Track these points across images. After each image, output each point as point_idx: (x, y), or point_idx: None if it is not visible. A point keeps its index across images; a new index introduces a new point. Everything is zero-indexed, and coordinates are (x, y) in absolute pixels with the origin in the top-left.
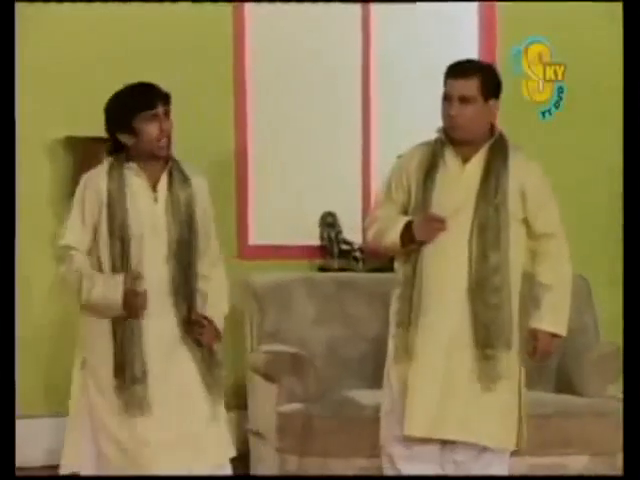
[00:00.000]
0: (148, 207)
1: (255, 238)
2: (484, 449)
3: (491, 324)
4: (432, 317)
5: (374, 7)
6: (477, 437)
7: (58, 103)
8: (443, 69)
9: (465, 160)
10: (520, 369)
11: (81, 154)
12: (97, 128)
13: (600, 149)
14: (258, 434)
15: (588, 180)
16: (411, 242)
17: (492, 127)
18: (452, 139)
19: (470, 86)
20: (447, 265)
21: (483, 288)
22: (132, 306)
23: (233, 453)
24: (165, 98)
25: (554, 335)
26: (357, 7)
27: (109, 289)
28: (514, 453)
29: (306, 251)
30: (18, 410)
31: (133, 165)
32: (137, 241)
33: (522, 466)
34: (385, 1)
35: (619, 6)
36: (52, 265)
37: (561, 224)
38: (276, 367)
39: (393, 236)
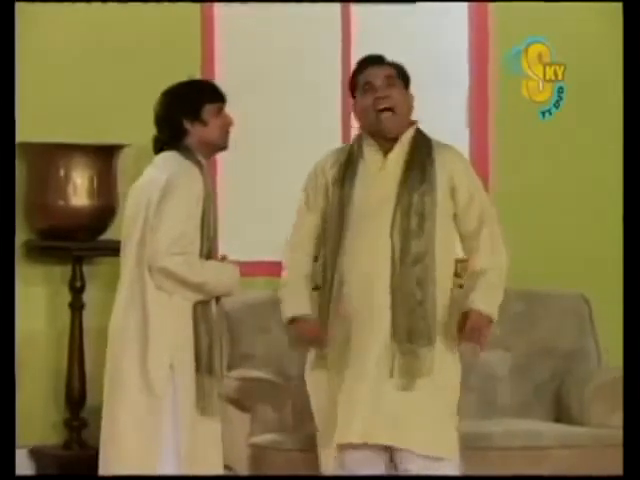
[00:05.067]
0: None
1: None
2: (432, 459)
3: (410, 316)
4: (358, 318)
5: (355, 8)
6: (407, 442)
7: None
8: (428, 72)
9: (386, 153)
10: (451, 368)
11: (35, 161)
12: (51, 133)
13: (600, 149)
14: (228, 468)
15: (588, 181)
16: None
17: (411, 123)
18: (377, 130)
19: (391, 70)
20: (371, 260)
21: (405, 278)
22: None
23: None
24: (224, 98)
25: (488, 319)
26: (336, 7)
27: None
28: None
29: (281, 268)
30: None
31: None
32: None
33: None
34: (367, 2)
35: (619, 6)
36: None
37: (492, 210)
38: (249, 395)
39: (284, 309)
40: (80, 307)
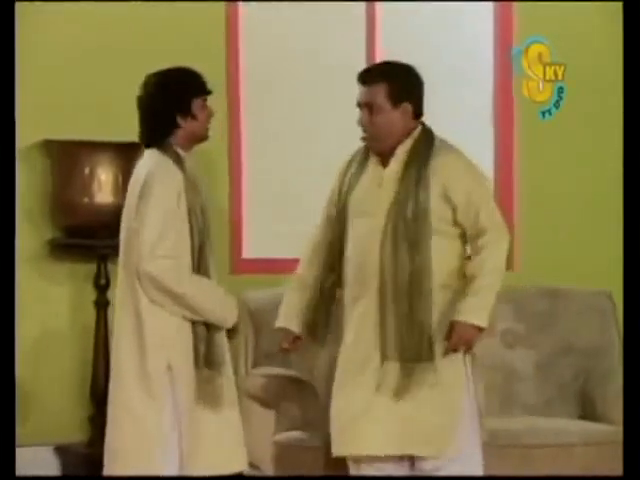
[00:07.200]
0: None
1: (249, 251)
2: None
3: (404, 332)
4: (349, 330)
5: (380, 7)
6: (409, 449)
7: (35, 105)
8: (453, 70)
9: (386, 165)
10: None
11: (60, 158)
12: (75, 130)
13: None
14: (252, 465)
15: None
16: None
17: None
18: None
19: (376, 93)
20: (362, 271)
21: (395, 297)
22: None
23: None
24: (210, 90)
25: (475, 327)
26: (362, 7)
27: None
28: None
29: None
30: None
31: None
32: None
33: None
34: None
35: (619, 6)
36: (32, 276)
37: (496, 218)
38: (273, 392)
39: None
40: (105, 305)
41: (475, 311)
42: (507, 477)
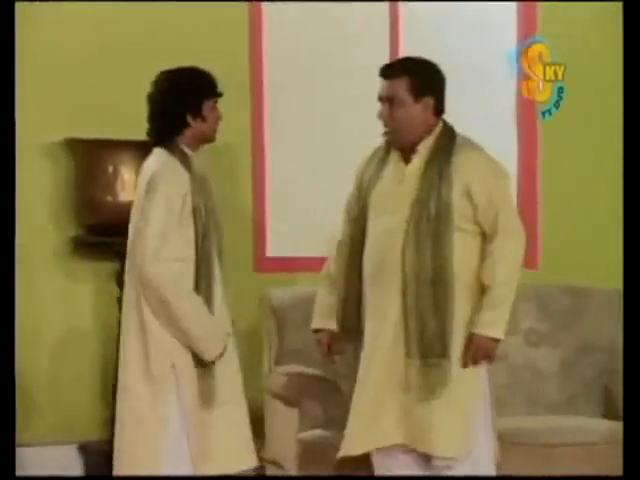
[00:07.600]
0: None
1: (273, 250)
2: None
3: (424, 331)
4: (370, 327)
5: (403, 7)
6: (421, 445)
7: (56, 104)
8: (477, 70)
9: (407, 161)
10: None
11: (83, 157)
12: (98, 129)
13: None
14: (276, 464)
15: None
16: None
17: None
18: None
19: (397, 86)
20: (383, 268)
21: (418, 292)
22: None
23: None
24: (221, 93)
25: (493, 339)
26: (385, 7)
27: None
28: None
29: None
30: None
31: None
32: None
33: None
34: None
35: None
36: (55, 274)
37: (513, 220)
38: (297, 390)
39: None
40: None
41: (492, 324)
42: (508, 477)
